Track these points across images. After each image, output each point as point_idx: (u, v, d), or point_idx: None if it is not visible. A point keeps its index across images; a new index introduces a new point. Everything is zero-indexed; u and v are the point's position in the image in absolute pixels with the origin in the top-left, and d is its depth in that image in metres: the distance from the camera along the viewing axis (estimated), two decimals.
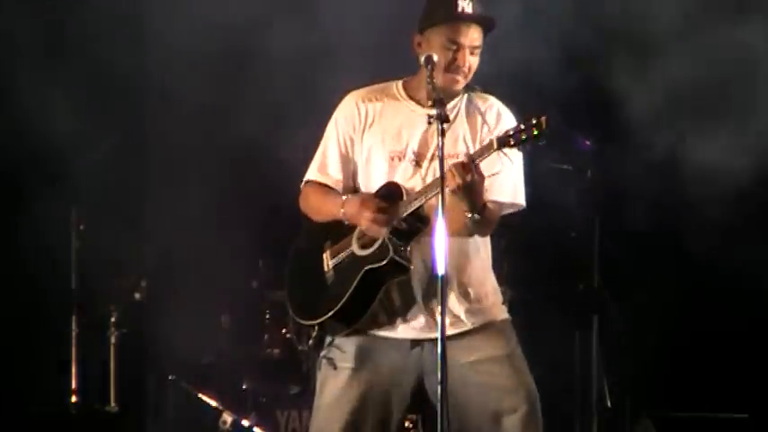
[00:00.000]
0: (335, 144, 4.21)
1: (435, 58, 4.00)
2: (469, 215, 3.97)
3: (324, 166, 4.22)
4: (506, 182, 4.09)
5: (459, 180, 3.85)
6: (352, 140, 4.20)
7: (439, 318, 3.98)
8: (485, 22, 4.09)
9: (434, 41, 4.08)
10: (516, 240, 6.10)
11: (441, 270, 3.74)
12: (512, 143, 3.85)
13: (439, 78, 4.05)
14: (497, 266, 6.09)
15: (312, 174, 4.25)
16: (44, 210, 6.27)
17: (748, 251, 6.44)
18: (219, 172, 6.70)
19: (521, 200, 4.17)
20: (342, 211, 4.09)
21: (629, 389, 6.20)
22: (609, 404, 5.87)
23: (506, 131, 3.87)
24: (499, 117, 4.16)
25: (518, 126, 3.85)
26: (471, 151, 4.03)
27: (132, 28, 6.67)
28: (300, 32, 6.36)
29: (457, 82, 4.09)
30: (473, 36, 4.07)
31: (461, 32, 4.05)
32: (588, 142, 5.89)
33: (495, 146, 3.88)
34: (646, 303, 6.44)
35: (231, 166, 6.68)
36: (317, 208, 4.21)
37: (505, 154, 3.94)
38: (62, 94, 6.45)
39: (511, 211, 4.17)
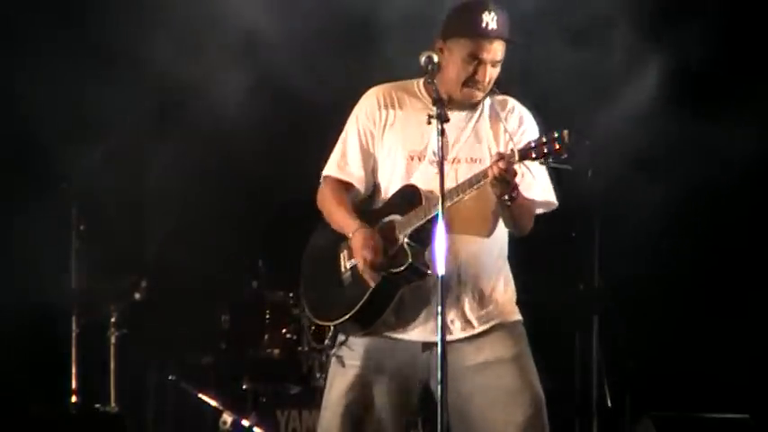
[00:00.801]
0: (356, 139, 4.17)
1: (436, 58, 3.97)
2: (506, 198, 3.89)
3: (344, 162, 4.18)
4: (533, 182, 4.06)
5: (501, 165, 3.80)
6: (372, 136, 4.16)
7: (450, 321, 4.01)
8: (509, 39, 4.05)
9: (456, 52, 4.03)
10: (516, 240, 6.09)
11: (440, 271, 3.74)
12: (533, 156, 3.81)
13: (457, 91, 4.03)
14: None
15: (332, 170, 4.20)
16: (44, 210, 6.28)
17: (748, 250, 6.45)
18: (220, 171, 6.71)
19: (552, 197, 4.16)
20: (350, 237, 4.06)
21: (629, 389, 6.20)
22: (609, 404, 5.87)
23: (528, 144, 3.83)
24: (521, 121, 4.13)
25: (540, 139, 3.81)
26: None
27: (131, 28, 6.67)
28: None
29: (475, 96, 4.06)
30: (496, 50, 4.02)
31: (484, 48, 4.00)
32: (588, 142, 5.89)
33: (517, 158, 3.83)
34: (646, 303, 6.45)
35: (231, 166, 6.68)
36: (332, 217, 4.17)
37: (527, 166, 3.94)
38: (62, 93, 6.46)
39: (545, 209, 4.16)
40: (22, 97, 6.40)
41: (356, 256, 4.02)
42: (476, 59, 4.01)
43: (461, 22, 4.04)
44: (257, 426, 5.76)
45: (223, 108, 6.66)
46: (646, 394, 6.26)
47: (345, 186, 4.18)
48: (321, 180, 4.25)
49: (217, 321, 6.18)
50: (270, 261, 6.21)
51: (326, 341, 4.21)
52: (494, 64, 4.03)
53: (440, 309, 3.73)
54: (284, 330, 6.02)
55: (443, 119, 3.81)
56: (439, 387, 3.72)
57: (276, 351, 5.99)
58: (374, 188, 4.20)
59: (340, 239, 4.14)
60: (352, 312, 4.03)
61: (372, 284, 3.98)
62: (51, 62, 6.44)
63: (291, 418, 5.93)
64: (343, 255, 4.13)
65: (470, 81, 4.02)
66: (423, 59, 3.97)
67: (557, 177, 5.83)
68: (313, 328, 5.86)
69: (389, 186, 4.13)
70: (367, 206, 4.17)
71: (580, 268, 6.00)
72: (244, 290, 6.21)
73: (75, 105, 6.44)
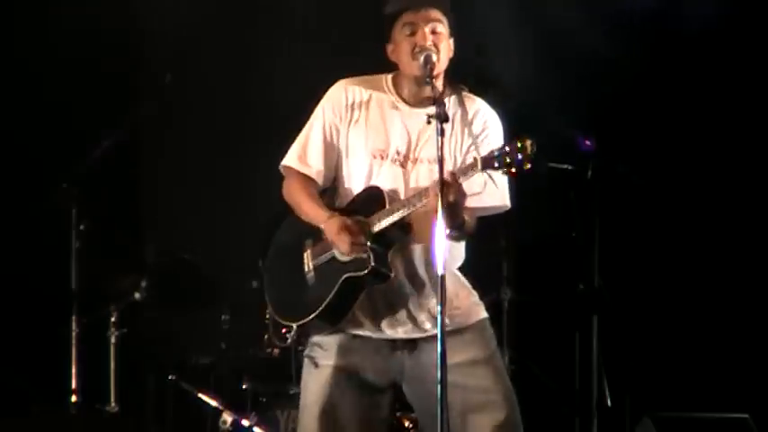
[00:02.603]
0: (320, 132, 4.15)
1: (434, 57, 3.99)
2: (447, 231, 3.86)
3: (305, 155, 4.16)
4: (495, 190, 4.04)
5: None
6: (337, 130, 4.14)
7: (422, 319, 4.03)
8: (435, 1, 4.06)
9: (398, 36, 4.06)
10: (516, 241, 6.10)
11: (440, 270, 3.73)
12: (495, 166, 3.77)
13: (413, 69, 4.03)
14: (497, 267, 6.12)
15: (292, 161, 4.18)
16: (44, 210, 6.27)
17: (748, 249, 6.45)
18: (219, 171, 6.71)
19: (507, 201, 4.12)
20: (323, 227, 4.04)
21: (629, 389, 6.20)
22: (609, 404, 5.87)
23: (491, 152, 3.79)
24: (485, 126, 4.11)
25: (502, 148, 3.77)
26: (453, 156, 4.02)
27: (131, 27, 6.68)
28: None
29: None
30: (428, 14, 4.03)
31: (414, 14, 4.02)
32: (588, 142, 5.88)
33: (480, 167, 3.81)
34: (646, 303, 6.44)
35: (231, 165, 6.69)
36: (300, 208, 4.15)
37: (489, 175, 3.91)
38: (62, 92, 6.47)
39: (496, 212, 4.13)
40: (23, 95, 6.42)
41: (334, 242, 3.99)
42: (412, 26, 4.02)
43: (392, 9, 4.07)
44: (257, 426, 5.75)
45: (225, 108, 6.69)
46: (646, 394, 6.26)
47: (307, 179, 4.16)
48: (281, 170, 4.21)
49: (217, 321, 6.17)
50: None
51: (289, 341, 4.20)
52: (433, 28, 4.02)
53: (439, 308, 3.73)
54: (284, 330, 6.00)
55: (443, 119, 3.79)
56: (438, 387, 3.72)
57: (276, 351, 5.98)
58: (335, 185, 4.18)
59: (304, 239, 4.13)
60: (316, 313, 4.03)
61: (364, 256, 3.94)
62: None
63: (291, 418, 5.91)
64: (307, 254, 4.12)
65: (415, 50, 4.00)
66: (421, 59, 3.98)
67: (556, 177, 5.87)
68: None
69: (351, 184, 4.12)
70: (329, 205, 4.15)
71: (580, 268, 6.00)
72: (244, 290, 6.20)
73: (74, 104, 6.46)
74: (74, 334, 6.06)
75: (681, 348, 6.43)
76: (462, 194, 3.84)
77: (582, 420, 6.03)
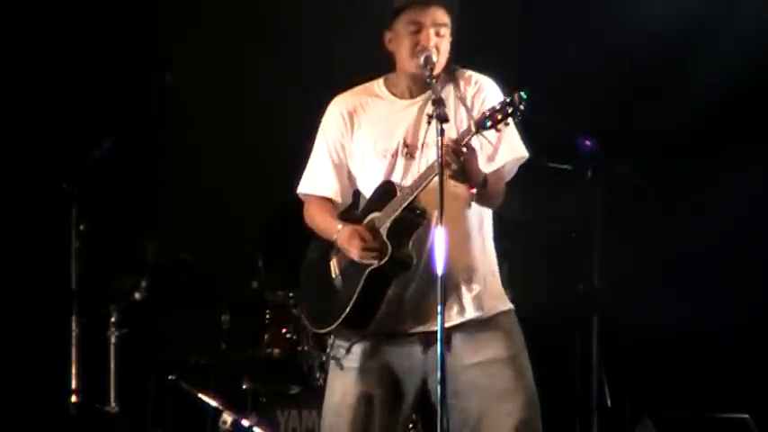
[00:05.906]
0: (326, 154, 4.21)
1: (435, 58, 4.00)
2: (474, 191, 3.93)
3: (314, 179, 4.24)
4: (499, 146, 4.04)
5: (454, 166, 3.82)
6: (343, 147, 4.20)
7: (450, 305, 4.00)
8: (445, 2, 4.07)
9: (401, 31, 4.07)
10: (516, 241, 6.10)
11: (440, 270, 3.73)
12: (489, 125, 3.81)
13: (412, 67, 4.05)
14: (497, 267, 6.10)
15: (305, 187, 4.28)
16: (44, 210, 6.28)
17: (751, 251, 6.46)
18: (219, 171, 6.71)
19: (522, 151, 4.11)
20: (335, 238, 4.11)
21: (629, 389, 6.20)
22: (609, 404, 5.87)
23: (483, 113, 3.84)
24: (479, 89, 4.12)
25: (493, 108, 3.81)
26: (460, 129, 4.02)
27: (132, 27, 6.69)
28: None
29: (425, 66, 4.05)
30: (434, 13, 4.04)
31: (421, 12, 4.04)
32: (588, 142, 5.89)
33: (474, 129, 3.84)
34: (646, 303, 6.44)
35: (232, 166, 6.69)
36: (318, 228, 4.23)
37: (485, 136, 3.89)
38: (63, 92, 6.47)
39: (517, 165, 4.12)
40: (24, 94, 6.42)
41: (347, 250, 4.03)
42: (416, 25, 4.03)
43: (399, 4, 4.07)
44: (257, 426, 5.75)
45: (226, 109, 6.70)
46: (646, 394, 6.26)
47: (325, 200, 4.23)
48: (301, 196, 4.30)
49: (217, 321, 6.18)
50: (270, 261, 6.20)
51: (328, 350, 4.21)
52: (437, 31, 4.04)
53: (440, 308, 3.73)
54: (284, 330, 6.01)
55: (443, 119, 3.81)
56: (439, 387, 3.72)
57: (276, 351, 5.98)
58: (358, 195, 4.24)
59: (329, 250, 4.17)
60: (345, 313, 4.03)
61: (376, 264, 3.97)
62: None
63: (291, 418, 5.92)
64: (333, 262, 4.15)
65: (417, 49, 4.03)
66: (421, 60, 3.99)
67: (556, 177, 5.88)
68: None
69: (371, 188, 4.15)
70: (352, 211, 4.20)
71: (580, 268, 6.00)
72: (244, 290, 6.20)
73: (74, 104, 6.46)
74: (74, 334, 6.05)
75: (681, 348, 6.43)
76: (472, 150, 3.86)
77: (582, 420, 6.04)
